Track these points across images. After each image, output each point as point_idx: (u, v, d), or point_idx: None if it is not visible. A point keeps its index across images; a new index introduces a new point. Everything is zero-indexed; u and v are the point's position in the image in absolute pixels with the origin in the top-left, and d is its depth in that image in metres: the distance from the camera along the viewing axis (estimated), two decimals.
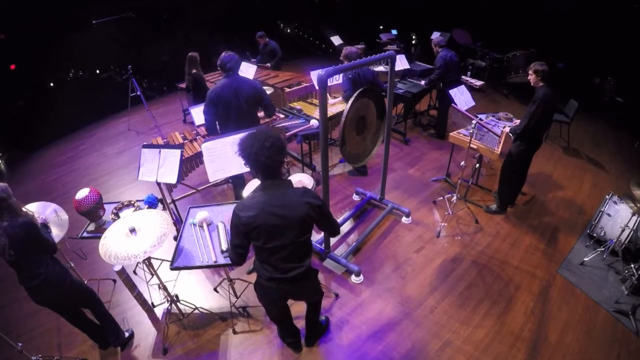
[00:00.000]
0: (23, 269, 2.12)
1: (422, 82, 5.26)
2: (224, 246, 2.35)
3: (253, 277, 2.36)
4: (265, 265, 1.87)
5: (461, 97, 4.15)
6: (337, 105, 4.61)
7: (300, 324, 2.66)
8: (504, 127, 3.96)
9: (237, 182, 3.66)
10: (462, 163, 3.48)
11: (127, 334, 2.77)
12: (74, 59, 7.00)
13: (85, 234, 2.74)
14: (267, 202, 1.68)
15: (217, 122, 3.36)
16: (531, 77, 3.37)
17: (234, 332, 2.78)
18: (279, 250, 1.80)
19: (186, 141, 3.90)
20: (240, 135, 1.71)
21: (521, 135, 3.41)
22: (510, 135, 3.59)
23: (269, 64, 6.48)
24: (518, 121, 4.08)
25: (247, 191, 2.71)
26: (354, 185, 4.41)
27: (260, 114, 3.80)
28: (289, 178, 2.81)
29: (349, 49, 3.81)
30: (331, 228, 2.01)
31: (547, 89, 3.25)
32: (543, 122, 3.37)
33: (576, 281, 3.16)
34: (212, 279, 3.27)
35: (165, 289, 2.71)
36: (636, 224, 3.04)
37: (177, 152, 2.94)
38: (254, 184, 2.81)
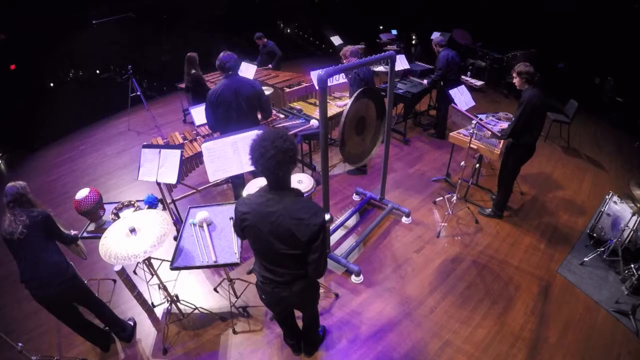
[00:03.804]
0: (29, 254, 2.16)
1: (425, 82, 5.26)
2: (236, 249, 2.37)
3: (253, 277, 2.36)
4: (258, 265, 1.88)
5: (461, 97, 4.15)
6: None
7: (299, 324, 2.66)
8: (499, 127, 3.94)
9: (237, 181, 3.66)
10: (462, 163, 3.47)
11: (131, 324, 2.85)
12: (74, 59, 7.00)
13: (85, 234, 2.74)
14: (262, 204, 1.64)
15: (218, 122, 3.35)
16: (516, 80, 3.19)
17: (234, 332, 2.78)
18: (265, 255, 1.78)
19: (186, 141, 3.90)
20: (250, 134, 1.64)
21: (513, 138, 3.29)
22: (498, 136, 3.50)
23: (270, 65, 6.47)
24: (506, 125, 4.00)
25: (246, 191, 2.71)
26: (354, 185, 4.41)
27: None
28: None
29: (354, 47, 3.78)
30: (317, 263, 1.71)
31: (533, 91, 3.09)
32: (533, 127, 3.20)
33: (576, 281, 3.16)
34: (212, 279, 3.27)
35: (165, 289, 2.71)
36: (636, 224, 3.04)
37: (177, 152, 2.94)
38: (254, 184, 2.81)
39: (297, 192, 1.70)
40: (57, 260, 2.26)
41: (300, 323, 2.50)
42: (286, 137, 1.55)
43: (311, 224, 1.59)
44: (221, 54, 3.15)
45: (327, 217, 2.35)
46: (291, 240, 1.63)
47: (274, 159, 1.50)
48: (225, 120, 3.25)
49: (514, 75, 3.20)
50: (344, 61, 3.80)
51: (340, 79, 4.64)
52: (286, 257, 1.72)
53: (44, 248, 2.22)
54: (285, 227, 1.60)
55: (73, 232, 2.56)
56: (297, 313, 2.42)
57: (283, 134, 1.57)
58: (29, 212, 2.18)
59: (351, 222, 3.89)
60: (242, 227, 1.72)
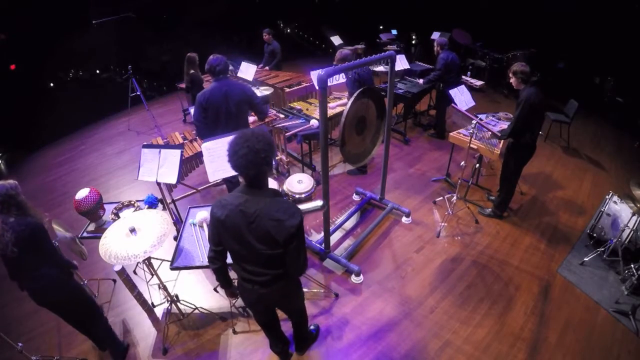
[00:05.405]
0: (23, 269, 2.10)
1: (420, 81, 5.27)
2: None
3: None
4: (237, 266, 1.85)
5: (461, 97, 4.15)
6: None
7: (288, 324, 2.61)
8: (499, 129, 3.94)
9: (230, 185, 3.63)
10: (462, 163, 3.48)
11: (124, 344, 2.71)
12: (74, 59, 7.01)
13: (85, 234, 2.74)
14: (239, 205, 1.61)
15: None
16: (512, 80, 3.20)
17: (234, 332, 2.79)
18: (247, 256, 1.74)
19: (186, 141, 3.90)
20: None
21: (513, 138, 3.29)
22: (498, 136, 3.50)
23: (267, 68, 6.46)
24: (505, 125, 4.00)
25: None
26: (354, 185, 4.41)
27: (253, 118, 3.77)
28: (288, 178, 2.82)
29: (343, 52, 3.71)
30: (296, 263, 1.73)
31: (530, 90, 3.09)
32: (533, 126, 3.21)
33: (576, 281, 3.16)
34: (212, 279, 3.27)
35: (165, 289, 2.71)
36: (636, 224, 3.04)
37: (177, 152, 2.94)
38: None
39: (275, 192, 1.68)
40: (54, 274, 2.15)
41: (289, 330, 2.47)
42: (262, 137, 1.52)
43: (288, 225, 1.59)
44: (210, 57, 3.08)
45: (320, 203, 2.33)
46: (270, 241, 1.62)
47: (245, 157, 1.48)
48: (213, 123, 3.19)
49: (510, 75, 3.22)
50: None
51: (340, 79, 4.64)
52: (266, 258, 1.70)
53: (40, 263, 2.09)
54: (263, 228, 1.59)
55: (70, 235, 2.51)
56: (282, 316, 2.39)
57: (260, 134, 1.54)
58: (17, 225, 1.97)
59: (351, 222, 3.89)
60: (220, 229, 1.68)
